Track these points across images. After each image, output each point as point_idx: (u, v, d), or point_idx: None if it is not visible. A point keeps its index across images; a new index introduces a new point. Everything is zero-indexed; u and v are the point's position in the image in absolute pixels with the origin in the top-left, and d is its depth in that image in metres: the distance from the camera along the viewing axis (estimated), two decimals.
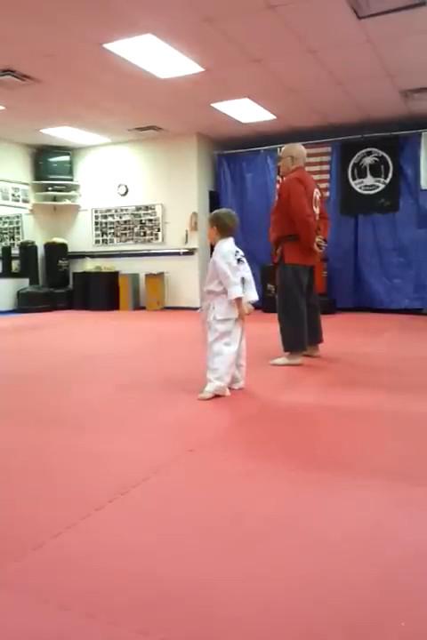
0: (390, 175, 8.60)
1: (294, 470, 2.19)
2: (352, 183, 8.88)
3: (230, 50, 5.81)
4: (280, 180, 7.42)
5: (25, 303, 9.60)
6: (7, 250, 9.88)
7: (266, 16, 5.01)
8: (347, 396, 3.46)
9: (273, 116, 8.30)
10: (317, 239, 4.49)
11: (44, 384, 3.94)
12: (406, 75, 6.65)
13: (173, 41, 5.58)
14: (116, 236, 10.32)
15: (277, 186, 8.59)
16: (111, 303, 9.82)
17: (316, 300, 4.73)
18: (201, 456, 2.37)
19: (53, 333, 7.07)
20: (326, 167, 9.00)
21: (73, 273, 10.36)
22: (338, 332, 6.12)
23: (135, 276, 9.96)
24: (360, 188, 8.84)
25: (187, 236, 9.66)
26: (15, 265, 9.94)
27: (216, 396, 3.29)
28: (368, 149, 8.73)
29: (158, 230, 9.93)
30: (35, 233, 10.22)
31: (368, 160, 8.75)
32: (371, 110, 8.10)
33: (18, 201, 9.98)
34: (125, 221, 10.23)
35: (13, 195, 9.90)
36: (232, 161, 9.70)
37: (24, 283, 9.90)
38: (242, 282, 3.38)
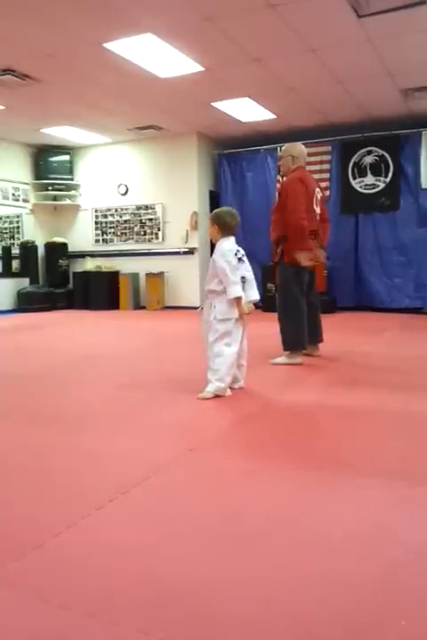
0: (390, 174, 8.59)
1: (295, 470, 2.19)
2: (352, 182, 8.87)
3: (231, 49, 5.81)
4: (281, 179, 7.42)
5: (25, 303, 9.60)
6: (7, 249, 9.87)
7: (266, 15, 5.01)
8: (347, 395, 3.46)
9: (273, 116, 8.30)
10: (317, 252, 4.46)
11: (44, 383, 3.94)
12: (407, 74, 6.64)
13: (174, 40, 5.58)
14: (117, 235, 10.31)
15: (278, 185, 8.59)
16: (111, 303, 9.82)
17: (316, 299, 4.72)
18: (202, 455, 2.37)
19: (53, 333, 7.07)
20: (326, 166, 8.99)
21: (73, 272, 10.35)
22: (338, 332, 6.12)
23: (135, 276, 9.95)
24: (361, 187, 8.83)
25: (187, 235, 9.66)
26: (15, 264, 9.94)
27: (217, 395, 3.28)
28: (369, 148, 8.72)
29: (159, 230, 9.92)
30: (35, 232, 10.22)
31: (369, 159, 8.74)
32: (371, 109, 8.09)
33: (18, 200, 9.98)
34: (126, 221, 10.23)
35: (14, 194, 9.90)
36: (232, 160, 9.69)
37: (24, 282, 9.90)
38: (242, 281, 3.37)
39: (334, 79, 6.81)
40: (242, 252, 3.44)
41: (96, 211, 10.44)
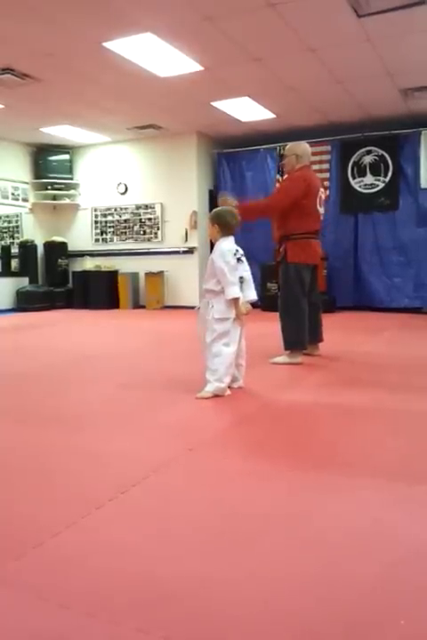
0: (389, 174, 8.59)
1: (294, 469, 2.19)
2: (352, 182, 8.87)
3: (230, 48, 5.81)
4: (281, 179, 7.41)
5: (24, 302, 9.59)
6: (7, 249, 9.87)
7: (266, 15, 5.00)
8: (347, 394, 3.46)
9: (273, 115, 8.29)
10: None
11: (44, 383, 3.94)
12: (406, 73, 6.64)
13: (173, 40, 5.57)
14: (116, 234, 10.31)
15: (278, 185, 8.58)
16: (111, 302, 9.81)
17: (318, 298, 4.71)
18: (201, 455, 2.37)
19: (53, 332, 7.07)
20: (325, 166, 8.99)
21: (72, 272, 10.35)
22: (338, 331, 6.12)
23: (135, 275, 9.95)
24: (360, 186, 8.83)
25: (186, 234, 9.65)
26: (15, 264, 9.94)
27: (216, 395, 3.28)
28: (368, 148, 8.72)
29: (158, 229, 9.92)
30: (34, 232, 10.21)
31: (368, 159, 8.74)
32: (371, 109, 8.09)
33: (17, 200, 9.97)
34: (125, 220, 10.22)
35: (13, 193, 9.89)
36: (232, 160, 9.69)
37: (23, 281, 9.90)
38: (241, 281, 3.37)
39: (333, 79, 6.81)
40: (241, 252, 3.43)
41: (95, 210, 10.43)
